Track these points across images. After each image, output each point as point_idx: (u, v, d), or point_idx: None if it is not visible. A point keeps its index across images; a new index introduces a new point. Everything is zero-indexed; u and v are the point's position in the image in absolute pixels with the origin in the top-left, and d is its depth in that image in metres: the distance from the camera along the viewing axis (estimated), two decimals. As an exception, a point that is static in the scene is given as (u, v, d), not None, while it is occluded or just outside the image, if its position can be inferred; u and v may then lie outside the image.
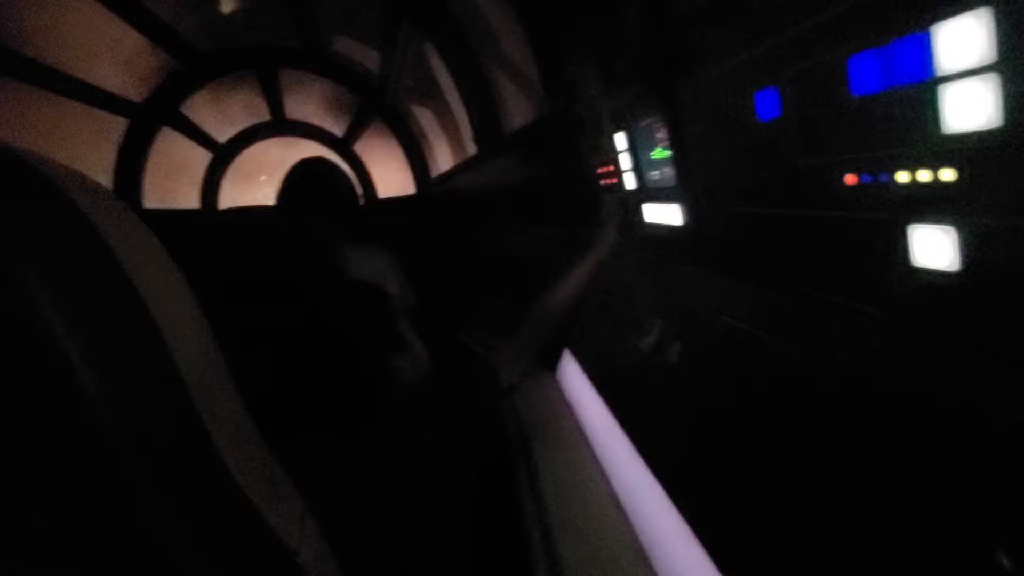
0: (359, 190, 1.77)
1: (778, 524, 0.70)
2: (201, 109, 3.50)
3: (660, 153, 1.21)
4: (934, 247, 0.57)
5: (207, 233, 3.21)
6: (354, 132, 3.98)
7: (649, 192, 1.34)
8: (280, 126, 3.82)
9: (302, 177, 1.65)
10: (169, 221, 3.54)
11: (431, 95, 3.44)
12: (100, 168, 3.27)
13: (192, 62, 3.26)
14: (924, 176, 0.56)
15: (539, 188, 2.45)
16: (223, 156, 3.72)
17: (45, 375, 0.40)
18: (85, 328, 0.41)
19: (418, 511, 0.98)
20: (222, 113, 3.63)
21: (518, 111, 2.61)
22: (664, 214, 1.27)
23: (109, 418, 0.39)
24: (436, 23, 2.69)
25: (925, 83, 0.52)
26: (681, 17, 1.01)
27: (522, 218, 2.69)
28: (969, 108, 0.49)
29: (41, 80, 2.63)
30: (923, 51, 0.51)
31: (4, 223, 0.39)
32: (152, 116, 3.29)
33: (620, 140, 1.41)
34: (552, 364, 1.99)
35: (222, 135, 3.70)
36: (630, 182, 1.44)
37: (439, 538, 1.00)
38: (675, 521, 0.88)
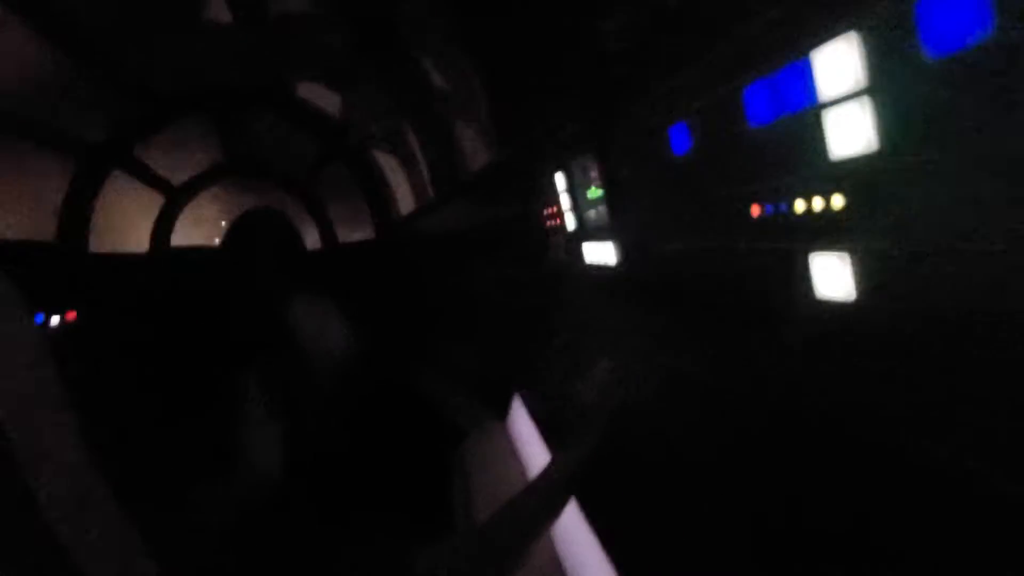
0: (305, 238, 1.74)
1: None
2: (156, 150, 3.45)
3: (594, 192, 1.21)
4: (833, 276, 0.55)
5: (153, 282, 3.09)
6: (314, 174, 3.96)
7: (587, 231, 1.33)
8: (237, 168, 3.78)
9: (247, 228, 1.62)
10: (116, 267, 3.42)
11: (391, 138, 3.46)
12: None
13: (148, 103, 3.23)
14: (818, 204, 0.54)
15: (494, 230, 2.45)
16: (177, 200, 3.64)
17: None
18: None
19: None
20: (178, 155, 3.58)
21: (475, 154, 2.63)
22: (601, 253, 1.25)
23: None
24: (395, 66, 2.73)
25: (810, 110, 0.52)
26: (606, 58, 1.02)
27: (479, 260, 2.67)
28: (850, 133, 0.48)
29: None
30: (805, 78, 0.51)
31: None
32: (104, 158, 3.22)
33: (559, 180, 1.41)
34: (502, 410, 1.92)
35: (176, 177, 3.63)
36: (570, 222, 1.43)
37: None
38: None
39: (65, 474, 0.48)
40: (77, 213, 3.27)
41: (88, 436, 0.56)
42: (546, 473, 0.97)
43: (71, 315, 3.11)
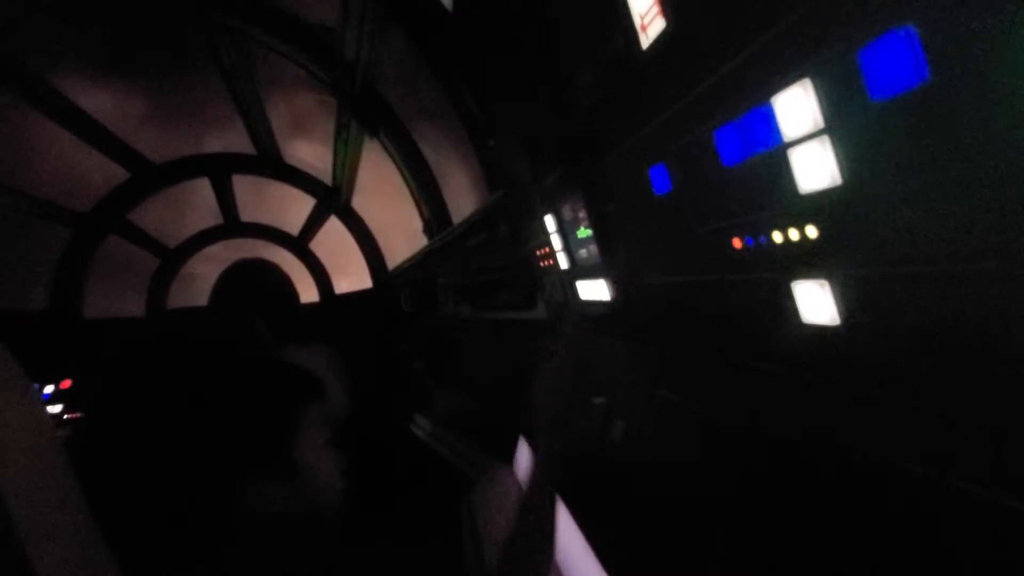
0: (297, 290, 1.75)
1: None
2: (150, 214, 3.51)
3: (584, 232, 1.25)
4: (816, 302, 0.58)
5: (147, 343, 3.08)
6: (309, 231, 4.03)
7: (580, 270, 1.36)
8: (233, 229, 3.83)
9: (237, 279, 1.63)
10: (112, 330, 3.41)
11: (384, 191, 3.54)
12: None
13: (143, 172, 3.31)
14: (794, 235, 0.57)
15: (489, 275, 2.49)
16: (172, 262, 3.67)
17: None
18: None
19: None
20: (173, 217, 3.64)
21: (465, 201, 2.70)
22: (595, 290, 1.28)
23: None
24: (382, 123, 2.82)
25: (776, 149, 0.55)
26: (585, 102, 1.08)
27: (476, 306, 2.69)
28: (814, 169, 0.51)
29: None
30: (769, 120, 0.55)
31: None
32: (98, 225, 3.27)
33: (549, 222, 1.45)
34: (508, 454, 1.90)
35: (172, 240, 3.68)
36: (563, 262, 1.46)
37: None
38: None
39: (67, 548, 0.48)
40: (71, 279, 3.29)
41: (93, 507, 0.56)
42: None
43: (65, 383, 3.09)
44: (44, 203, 2.97)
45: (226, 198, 3.68)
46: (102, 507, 0.58)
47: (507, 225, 2.05)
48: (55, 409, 2.87)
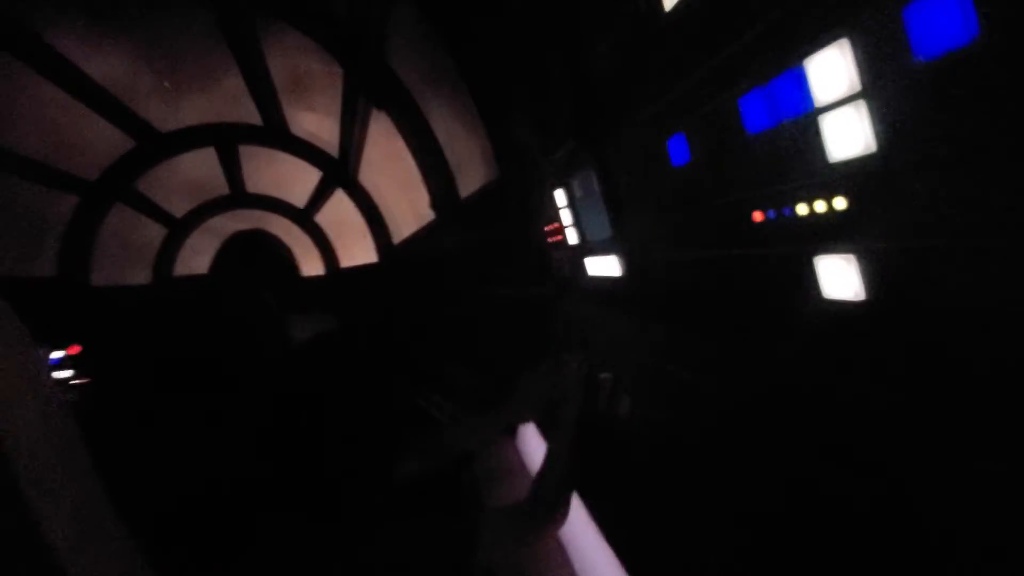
0: (298, 261, 1.73)
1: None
2: (158, 183, 3.49)
3: (595, 207, 1.23)
4: (840, 278, 0.56)
5: (157, 310, 3.10)
6: (315, 204, 4.00)
7: (590, 245, 1.34)
8: (239, 200, 3.81)
9: (237, 249, 1.61)
10: (119, 298, 3.43)
11: (391, 164, 3.50)
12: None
13: (150, 140, 3.28)
14: (820, 207, 0.55)
15: (495, 250, 2.47)
16: (178, 232, 3.67)
17: None
18: None
19: None
20: (180, 186, 3.62)
21: (472, 176, 2.66)
22: (604, 266, 1.26)
23: None
24: (390, 96, 2.78)
25: (807, 115, 0.53)
26: (599, 74, 1.05)
27: (481, 280, 2.68)
28: (847, 136, 0.49)
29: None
30: (800, 85, 0.52)
31: None
32: (105, 193, 3.26)
33: (560, 197, 1.43)
34: (511, 428, 1.91)
35: (179, 209, 3.67)
36: (572, 237, 1.44)
37: None
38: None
39: (71, 508, 0.48)
40: (78, 246, 3.30)
41: (99, 470, 0.56)
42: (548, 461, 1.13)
43: (74, 349, 3.11)
44: (52, 170, 2.96)
45: (232, 169, 3.65)
46: (110, 471, 0.58)
47: (515, 200, 2.02)
48: (64, 374, 2.90)
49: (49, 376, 0.53)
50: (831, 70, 0.48)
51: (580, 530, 1.14)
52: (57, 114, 2.88)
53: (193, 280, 3.35)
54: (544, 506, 1.10)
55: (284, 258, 1.57)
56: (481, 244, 2.61)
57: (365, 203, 4.02)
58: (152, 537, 0.60)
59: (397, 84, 2.77)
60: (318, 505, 0.92)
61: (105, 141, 3.21)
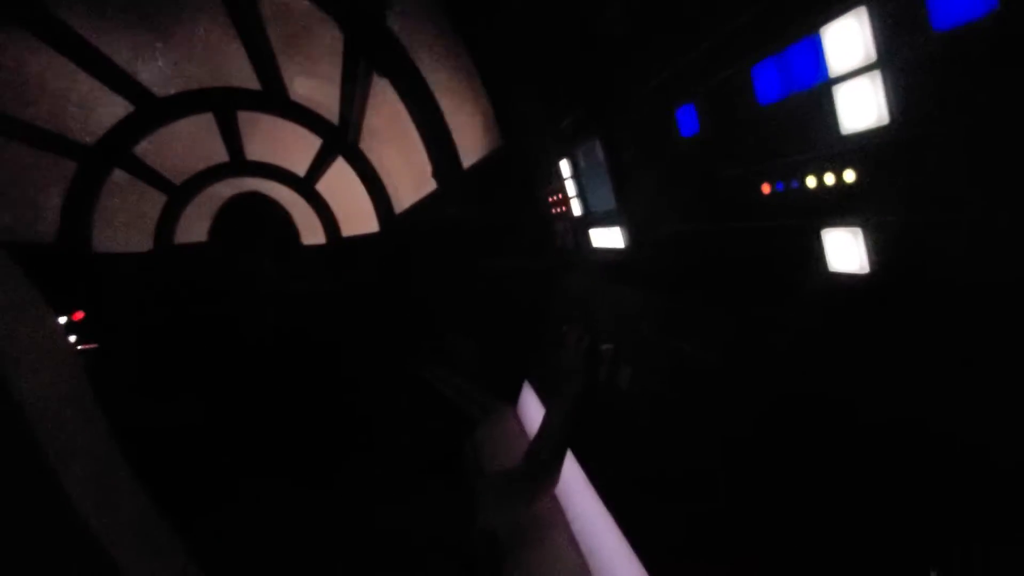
0: (296, 225, 1.70)
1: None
2: (156, 149, 3.45)
3: (600, 178, 1.22)
4: (846, 250, 0.56)
5: (160, 275, 3.10)
6: (316, 172, 3.96)
7: (594, 217, 1.34)
8: (239, 167, 3.77)
9: (235, 213, 1.59)
10: (120, 265, 3.43)
11: (392, 132, 3.46)
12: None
13: (148, 105, 3.23)
14: (829, 179, 0.55)
15: (497, 220, 2.46)
16: (178, 198, 3.64)
17: None
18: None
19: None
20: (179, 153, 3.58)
21: (476, 145, 2.64)
22: (608, 238, 1.27)
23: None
24: (391, 61, 2.72)
25: (820, 86, 0.53)
26: (606, 43, 1.03)
27: (482, 251, 2.68)
28: (860, 107, 0.49)
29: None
30: (816, 54, 0.52)
31: None
32: (104, 158, 3.23)
33: (564, 167, 1.42)
34: (512, 397, 1.94)
35: (179, 176, 3.63)
36: (576, 208, 1.44)
37: None
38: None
39: (91, 470, 0.49)
40: (78, 212, 3.28)
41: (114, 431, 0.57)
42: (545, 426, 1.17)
43: (78, 315, 3.13)
44: (50, 135, 2.92)
45: (231, 135, 3.60)
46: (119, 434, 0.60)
47: (518, 170, 2.01)
48: (70, 340, 2.92)
49: (64, 339, 0.54)
50: (847, 39, 0.48)
51: (578, 492, 1.17)
52: (53, 77, 2.83)
53: (193, 248, 3.34)
54: (539, 471, 1.14)
55: (283, 225, 1.55)
56: (483, 214, 2.60)
57: (366, 171, 3.98)
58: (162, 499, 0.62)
59: (398, 49, 2.71)
60: (313, 471, 0.92)
61: (103, 106, 3.16)
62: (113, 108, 3.22)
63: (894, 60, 0.45)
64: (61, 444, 0.43)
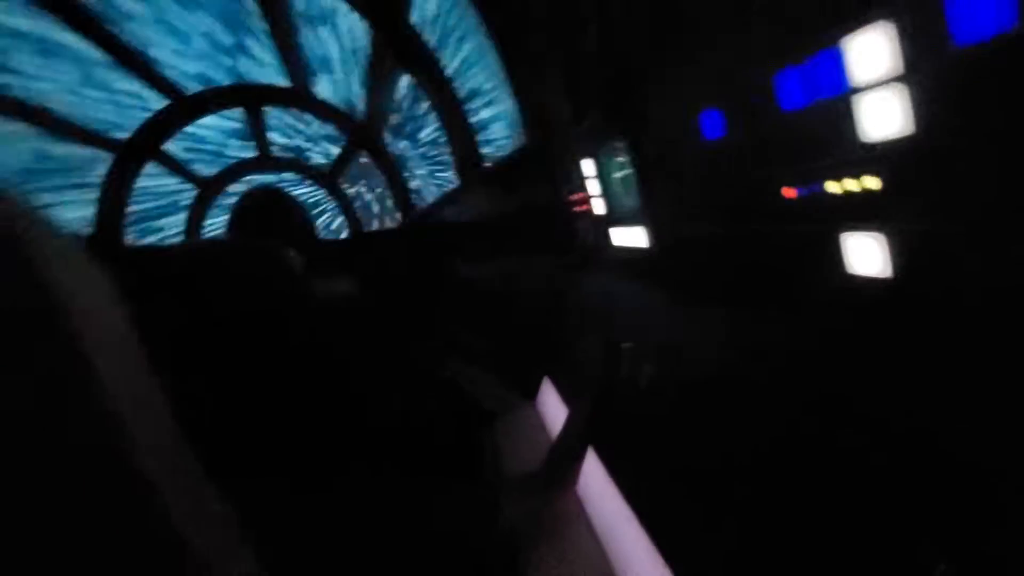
0: (314, 218, 1.72)
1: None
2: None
3: (624, 177, 1.24)
4: (867, 255, 0.58)
5: (185, 268, 3.19)
6: (340, 167, 4.03)
7: (616, 216, 1.36)
8: (266, 161, 3.86)
9: (251, 208, 1.58)
10: (150, 256, 3.53)
11: (415, 129, 3.50)
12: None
13: (179, 101, 3.32)
14: (851, 185, 0.57)
15: (519, 218, 2.48)
16: (208, 192, 3.74)
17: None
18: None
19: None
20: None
21: (499, 142, 2.66)
22: (630, 237, 1.28)
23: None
24: (417, 59, 2.76)
25: (842, 95, 0.54)
26: (633, 46, 1.04)
27: (503, 248, 2.70)
28: (883, 117, 0.50)
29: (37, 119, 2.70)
30: (837, 65, 0.53)
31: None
32: (137, 152, 3.33)
33: (588, 166, 1.44)
34: (532, 393, 1.97)
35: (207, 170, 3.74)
36: (599, 207, 1.46)
37: None
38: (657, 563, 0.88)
39: (163, 445, 0.53)
40: (112, 205, 3.39)
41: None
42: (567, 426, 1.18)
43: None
44: (85, 130, 3.03)
45: (259, 130, 3.69)
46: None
47: (541, 169, 2.02)
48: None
49: (130, 324, 0.57)
50: (870, 51, 0.49)
51: (598, 488, 1.20)
52: (90, 71, 2.94)
53: (214, 242, 3.43)
54: (560, 469, 1.16)
55: (302, 219, 1.57)
56: (504, 211, 2.62)
57: (388, 167, 4.04)
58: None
59: (423, 47, 2.75)
60: (329, 470, 0.90)
61: (136, 100, 3.27)
62: (145, 102, 3.33)
63: (917, 72, 0.46)
64: (137, 423, 0.46)
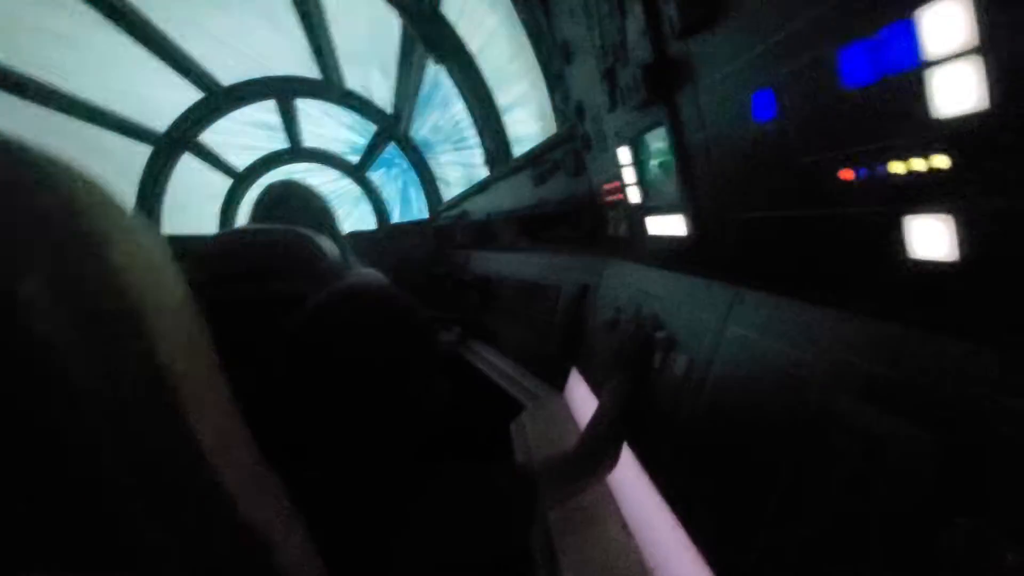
0: (331, 209, 1.72)
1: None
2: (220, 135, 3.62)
3: (663, 164, 1.21)
4: (933, 238, 0.56)
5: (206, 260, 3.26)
6: (369, 159, 4.07)
7: (653, 204, 1.34)
8: (297, 153, 3.92)
9: (274, 201, 1.59)
10: (187, 246, 3.63)
11: (443, 119, 3.51)
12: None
13: (213, 93, 3.39)
14: (918, 165, 0.55)
15: (549, 208, 2.47)
16: (241, 183, 3.82)
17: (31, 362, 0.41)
18: (71, 310, 0.41)
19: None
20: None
21: (529, 131, 2.65)
22: (668, 225, 1.26)
23: (87, 386, 0.40)
24: (446, 47, 2.76)
25: (913, 70, 0.52)
26: (677, 27, 1.02)
27: (532, 239, 2.70)
28: (957, 92, 0.48)
29: (78, 112, 2.79)
30: (909, 37, 0.51)
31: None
32: (173, 143, 3.41)
33: (624, 154, 1.42)
34: (560, 383, 1.97)
35: (241, 161, 3.82)
36: (634, 196, 1.44)
37: None
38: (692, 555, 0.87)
39: (220, 417, 0.54)
40: (150, 195, 3.49)
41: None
42: (598, 416, 1.21)
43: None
44: (124, 121, 3.11)
45: (290, 122, 3.75)
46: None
47: (573, 158, 2.01)
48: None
49: (184, 280, 0.58)
50: (946, 21, 0.47)
51: (629, 477, 1.19)
52: (128, 64, 3.01)
53: (242, 232, 3.51)
54: (594, 456, 1.15)
55: (317, 208, 1.56)
56: (534, 203, 2.61)
57: (417, 159, 4.06)
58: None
59: (453, 36, 2.74)
60: (358, 456, 0.89)
61: (173, 92, 3.35)
62: (181, 94, 3.41)
63: (997, 43, 0.44)
64: (193, 393, 0.47)
